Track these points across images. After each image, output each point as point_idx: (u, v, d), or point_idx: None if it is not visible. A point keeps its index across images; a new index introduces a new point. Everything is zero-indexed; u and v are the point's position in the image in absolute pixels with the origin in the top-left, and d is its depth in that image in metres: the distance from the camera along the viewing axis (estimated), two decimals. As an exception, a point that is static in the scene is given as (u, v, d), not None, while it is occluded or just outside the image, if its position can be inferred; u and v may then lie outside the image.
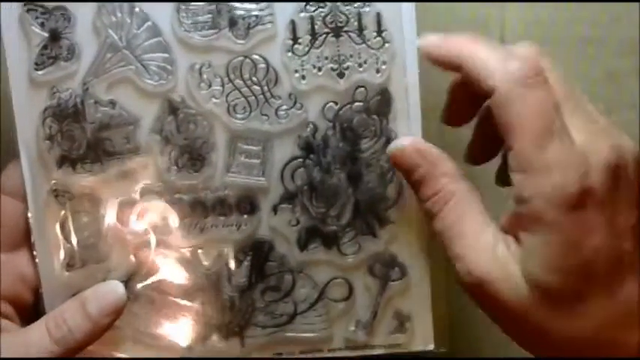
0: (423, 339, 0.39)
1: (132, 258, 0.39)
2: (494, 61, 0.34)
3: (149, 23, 0.37)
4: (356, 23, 0.37)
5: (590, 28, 0.44)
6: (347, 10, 0.37)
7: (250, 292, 0.39)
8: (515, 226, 0.33)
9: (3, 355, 0.37)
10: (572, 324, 0.33)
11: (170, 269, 0.39)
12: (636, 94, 0.45)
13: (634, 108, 0.45)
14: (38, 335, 0.37)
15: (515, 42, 0.35)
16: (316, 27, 0.37)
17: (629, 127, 0.44)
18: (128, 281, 0.39)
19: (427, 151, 0.36)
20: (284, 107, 0.37)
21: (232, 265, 0.39)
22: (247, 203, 0.38)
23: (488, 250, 0.34)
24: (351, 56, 0.37)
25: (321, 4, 0.37)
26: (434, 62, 0.36)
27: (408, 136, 0.37)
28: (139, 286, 0.39)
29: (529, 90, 0.33)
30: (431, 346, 0.39)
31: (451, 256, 0.35)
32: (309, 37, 0.37)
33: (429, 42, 0.36)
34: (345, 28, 0.37)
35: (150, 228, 0.38)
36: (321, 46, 0.37)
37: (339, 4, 0.37)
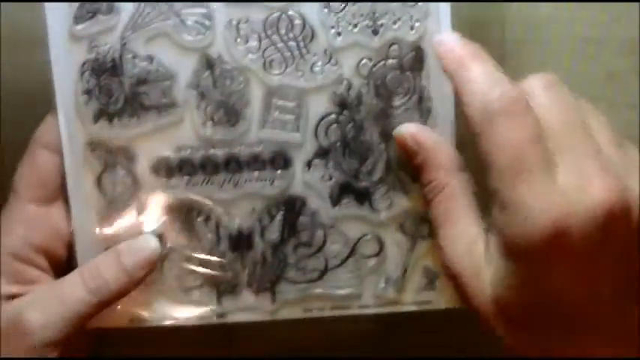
0: (452, 297, 0.39)
1: (165, 213, 0.39)
2: (481, 85, 0.32)
3: (187, -21, 0.38)
4: (390, -19, 0.38)
5: (590, 28, 0.44)
6: (382, -32, 0.37)
7: (282, 248, 0.39)
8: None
9: (40, 305, 0.37)
10: (520, 346, 0.33)
11: (203, 224, 0.39)
12: (636, 94, 0.45)
13: (634, 108, 0.45)
14: (73, 286, 0.37)
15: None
16: (352, -16, 0.38)
17: (629, 127, 0.45)
18: (161, 235, 0.39)
19: (425, 142, 0.36)
20: (319, 63, 0.38)
21: (265, 220, 0.39)
22: (281, 159, 0.39)
23: (467, 245, 0.34)
24: (386, 14, 0.38)
25: (357, -38, 0.37)
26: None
27: (442, 93, 0.38)
28: (172, 240, 0.39)
29: (503, 122, 0.31)
30: (459, 304, 0.39)
31: (435, 243, 0.36)
32: (345, -6, 0.38)
33: (440, 42, 0.35)
34: (380, -14, 0.38)
35: (184, 183, 0.39)
36: (356, 2, 0.38)
37: (374, -38, 0.37)
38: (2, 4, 0.42)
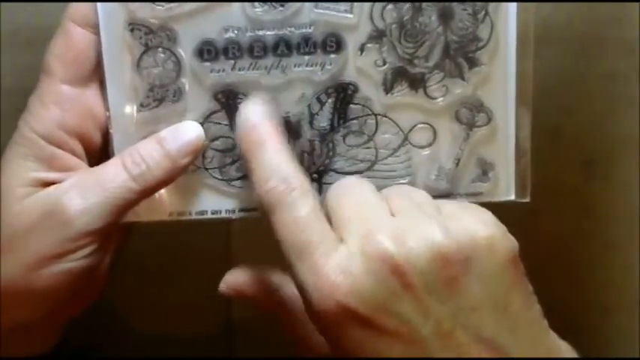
0: (505, 189, 0.38)
1: (209, 98, 0.37)
2: (259, 175, 0.34)
3: None
4: None
5: (590, 28, 0.44)
6: None
7: (331, 136, 0.38)
8: None
9: (79, 191, 0.35)
10: None
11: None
12: (636, 94, 0.45)
13: (634, 108, 0.45)
14: (114, 172, 0.35)
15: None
16: None
17: (629, 127, 0.44)
18: (204, 122, 0.37)
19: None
20: (377, -61, 0.36)
21: (314, 107, 0.37)
22: (333, 42, 0.37)
23: None
24: None
25: None
26: None
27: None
28: (214, 128, 0.37)
29: (279, 210, 0.33)
30: (512, 197, 0.38)
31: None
32: None
33: (245, 118, 0.36)
34: None
35: (229, 66, 0.37)
36: None
37: None
38: (2, 4, 0.41)
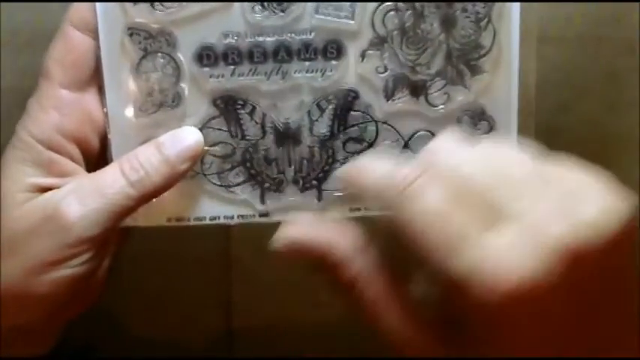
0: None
1: (208, 104, 0.37)
2: (377, 183, 0.31)
3: None
4: None
5: (589, 27, 0.43)
6: None
7: (331, 143, 0.37)
8: None
9: (78, 197, 0.35)
10: None
11: (247, 117, 0.37)
12: (636, 94, 0.44)
13: (634, 108, 0.45)
14: (113, 178, 0.35)
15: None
16: None
17: (629, 127, 0.44)
18: (203, 128, 0.37)
19: (317, 237, 0.32)
20: (379, -55, 0.36)
21: (314, 114, 0.37)
22: (334, 48, 0.36)
23: (418, 326, 0.31)
24: None
25: None
26: None
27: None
28: (214, 133, 0.37)
29: (409, 205, 0.29)
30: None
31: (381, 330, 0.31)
32: None
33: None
34: None
35: (229, 72, 0.36)
36: None
37: None
38: (2, 4, 0.41)
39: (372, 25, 0.36)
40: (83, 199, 0.35)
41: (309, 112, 0.37)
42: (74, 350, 0.45)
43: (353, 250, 0.32)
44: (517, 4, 0.36)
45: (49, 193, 0.35)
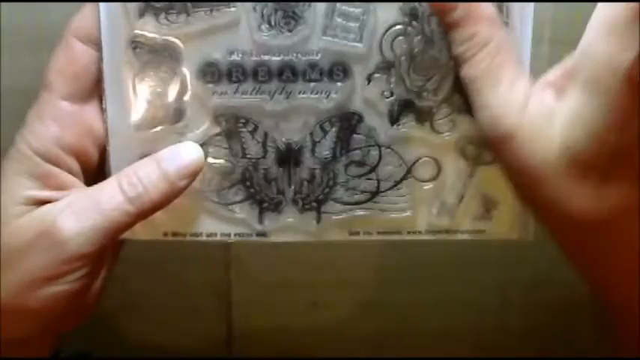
0: (508, 227, 0.37)
1: (210, 120, 0.36)
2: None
3: None
4: None
5: None
6: None
7: (333, 166, 0.37)
8: (566, 79, 0.31)
9: (74, 212, 0.34)
10: (590, 202, 0.30)
11: (249, 136, 0.36)
12: None
13: None
14: (110, 193, 0.35)
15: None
16: None
17: None
18: (204, 145, 0.36)
19: None
20: (390, -33, 0.35)
21: (317, 135, 0.37)
22: (340, 70, 0.36)
23: (520, 102, 0.32)
24: None
25: None
26: None
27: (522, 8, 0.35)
28: (214, 150, 0.37)
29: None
30: (514, 235, 0.38)
31: (479, 105, 0.33)
32: None
33: None
34: None
35: (232, 90, 0.36)
36: None
37: None
38: (2, 4, 0.41)
39: (380, 48, 0.35)
40: (80, 214, 0.34)
41: (311, 134, 0.36)
42: (72, 355, 0.44)
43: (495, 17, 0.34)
44: (529, 35, 0.35)
45: (46, 206, 0.35)
